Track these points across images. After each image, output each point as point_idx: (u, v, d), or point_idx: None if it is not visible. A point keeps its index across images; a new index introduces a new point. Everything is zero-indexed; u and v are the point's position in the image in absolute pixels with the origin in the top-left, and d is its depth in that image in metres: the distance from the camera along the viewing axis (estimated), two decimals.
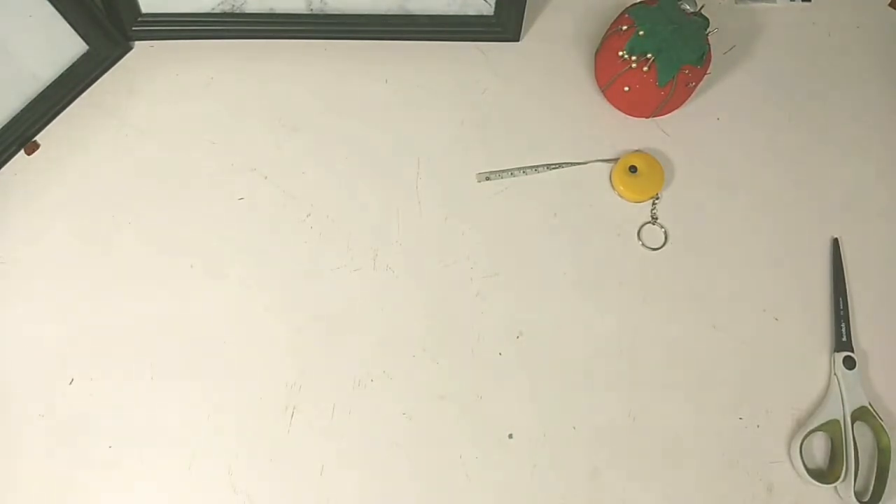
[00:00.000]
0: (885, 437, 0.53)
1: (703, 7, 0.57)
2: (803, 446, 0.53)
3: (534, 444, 0.54)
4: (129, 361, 0.55)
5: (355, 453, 0.53)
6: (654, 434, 0.54)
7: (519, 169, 0.61)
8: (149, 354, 0.55)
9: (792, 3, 0.69)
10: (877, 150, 0.64)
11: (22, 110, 0.60)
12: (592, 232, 0.60)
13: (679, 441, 0.54)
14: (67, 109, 0.62)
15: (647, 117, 0.63)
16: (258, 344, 0.56)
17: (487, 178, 0.61)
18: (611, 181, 0.61)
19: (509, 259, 0.59)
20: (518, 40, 0.66)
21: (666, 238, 0.60)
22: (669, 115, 0.63)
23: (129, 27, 0.63)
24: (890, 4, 0.70)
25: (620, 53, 0.58)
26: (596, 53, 0.65)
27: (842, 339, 0.57)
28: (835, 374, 0.56)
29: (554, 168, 0.62)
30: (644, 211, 0.61)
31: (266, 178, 0.61)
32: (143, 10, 0.63)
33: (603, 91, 0.63)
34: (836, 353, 0.56)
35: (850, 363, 0.55)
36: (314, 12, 0.64)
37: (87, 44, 0.61)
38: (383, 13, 0.64)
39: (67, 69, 0.61)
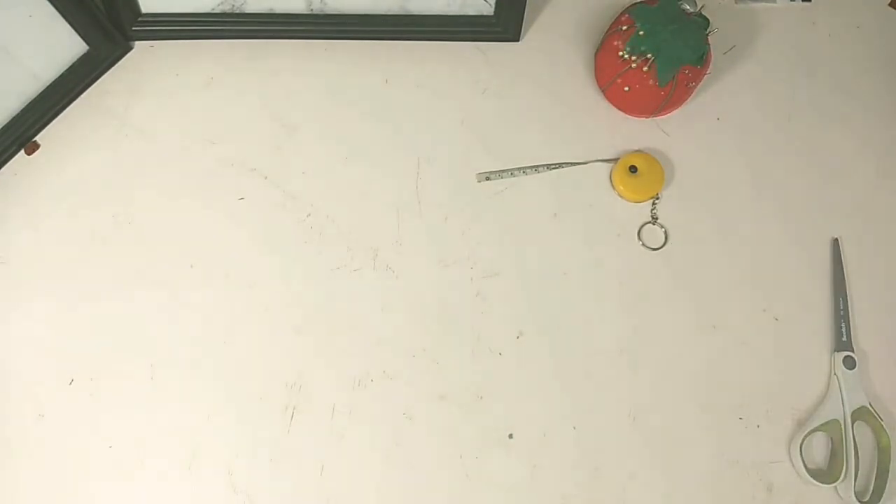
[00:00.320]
0: (885, 437, 0.53)
1: (703, 7, 0.57)
2: (803, 446, 0.53)
3: (534, 444, 0.54)
4: (129, 361, 0.55)
5: (355, 453, 0.53)
6: (654, 434, 0.54)
7: (519, 169, 0.61)
8: (149, 354, 0.55)
9: (792, 3, 0.69)
10: (877, 150, 0.64)
11: (22, 110, 0.60)
12: (592, 232, 0.60)
13: (679, 441, 0.54)
14: (67, 109, 0.62)
15: (646, 117, 0.63)
16: (258, 344, 0.56)
17: (487, 178, 0.61)
18: (611, 181, 0.61)
19: (509, 259, 0.59)
20: (518, 40, 0.66)
21: (666, 238, 0.60)
22: (670, 115, 0.63)
23: (129, 27, 0.63)
24: (890, 4, 0.70)
25: (620, 53, 0.58)
26: (596, 53, 0.65)
27: (842, 339, 0.57)
28: (835, 374, 0.56)
29: (554, 168, 0.62)
30: (644, 211, 0.61)
31: (266, 178, 0.61)
32: (143, 10, 0.63)
33: (603, 91, 0.63)
34: (836, 353, 0.56)
35: (850, 363, 0.55)
36: (314, 12, 0.64)
37: (87, 44, 0.61)
38: (383, 13, 0.64)
39: (67, 69, 0.61)
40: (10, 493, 0.52)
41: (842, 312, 0.58)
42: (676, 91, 0.58)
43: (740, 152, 0.63)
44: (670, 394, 0.55)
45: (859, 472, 0.53)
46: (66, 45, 0.60)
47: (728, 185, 0.62)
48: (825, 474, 0.53)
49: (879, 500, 0.52)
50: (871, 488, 0.53)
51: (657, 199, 0.61)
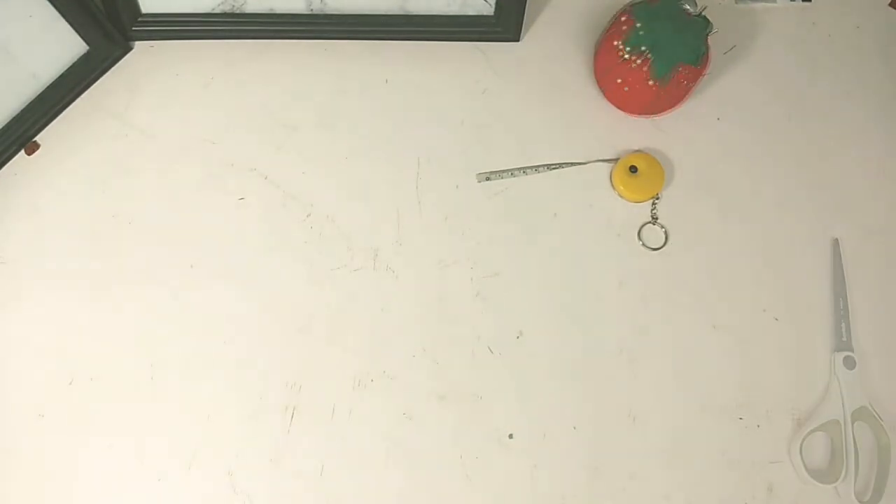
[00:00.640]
0: (885, 436, 0.53)
1: (705, 9, 0.57)
2: (803, 446, 0.53)
3: (534, 444, 0.54)
4: (129, 361, 0.55)
5: (355, 453, 0.53)
6: (654, 434, 0.54)
7: (519, 169, 0.61)
8: (149, 354, 0.55)
9: (792, 3, 0.69)
10: (877, 150, 0.64)
11: (22, 110, 0.60)
12: (592, 232, 0.60)
13: (679, 441, 0.54)
14: (67, 109, 0.62)
15: (642, 115, 0.63)
16: (258, 344, 0.56)
17: (487, 178, 0.61)
18: (611, 181, 0.61)
19: (509, 259, 0.59)
20: (518, 40, 0.66)
21: (666, 238, 0.60)
22: (670, 115, 0.63)
23: (129, 27, 0.63)
24: (890, 4, 0.70)
25: (615, 43, 0.58)
26: (595, 50, 0.65)
27: (842, 339, 0.57)
28: (835, 374, 0.56)
29: (554, 168, 0.62)
30: (644, 211, 0.61)
31: (266, 178, 0.61)
32: (143, 10, 0.63)
33: (600, 87, 0.64)
34: (836, 353, 0.56)
35: (850, 363, 0.55)
36: (314, 12, 0.64)
37: (87, 44, 0.61)
38: (383, 13, 0.64)
39: (67, 69, 0.61)
40: (10, 493, 0.52)
41: (842, 312, 0.58)
42: (669, 89, 0.58)
43: (740, 152, 0.63)
44: (670, 394, 0.55)
45: (859, 472, 0.53)
46: (66, 45, 0.60)
47: (728, 185, 0.62)
48: (825, 474, 0.53)
49: (879, 499, 0.52)
50: (871, 488, 0.53)
51: (657, 199, 0.61)
